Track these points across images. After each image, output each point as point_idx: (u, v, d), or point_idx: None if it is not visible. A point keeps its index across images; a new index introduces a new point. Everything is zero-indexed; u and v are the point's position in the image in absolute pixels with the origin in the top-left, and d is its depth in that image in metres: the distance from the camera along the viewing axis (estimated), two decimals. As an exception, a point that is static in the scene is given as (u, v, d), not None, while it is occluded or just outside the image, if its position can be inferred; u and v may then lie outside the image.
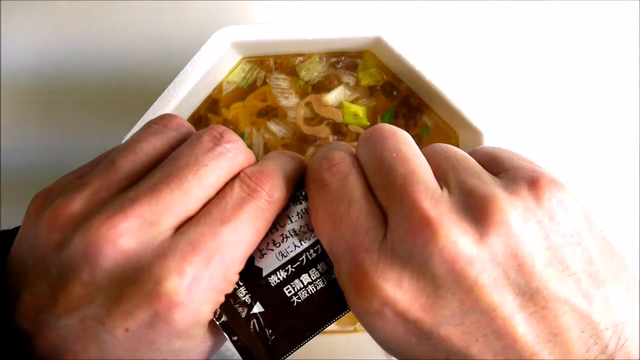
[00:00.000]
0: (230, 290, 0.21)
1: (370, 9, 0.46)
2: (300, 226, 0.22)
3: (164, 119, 0.22)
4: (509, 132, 0.46)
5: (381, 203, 0.20)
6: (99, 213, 0.19)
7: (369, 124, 0.38)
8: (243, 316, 0.21)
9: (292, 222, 0.22)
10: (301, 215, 0.22)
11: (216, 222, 0.19)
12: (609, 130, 0.47)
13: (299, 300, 0.22)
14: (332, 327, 0.39)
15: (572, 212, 0.19)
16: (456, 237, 0.18)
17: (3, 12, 0.46)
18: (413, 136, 0.39)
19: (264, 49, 0.37)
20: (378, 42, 0.35)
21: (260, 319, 0.21)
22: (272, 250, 0.22)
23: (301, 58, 0.38)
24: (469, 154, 0.22)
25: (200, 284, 0.19)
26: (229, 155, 0.21)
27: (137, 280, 0.18)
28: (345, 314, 0.22)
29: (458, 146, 0.38)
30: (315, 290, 0.22)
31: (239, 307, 0.21)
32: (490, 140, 0.34)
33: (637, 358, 0.18)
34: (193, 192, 0.20)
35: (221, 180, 0.20)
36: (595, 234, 0.19)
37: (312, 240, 0.22)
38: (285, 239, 0.22)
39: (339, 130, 0.38)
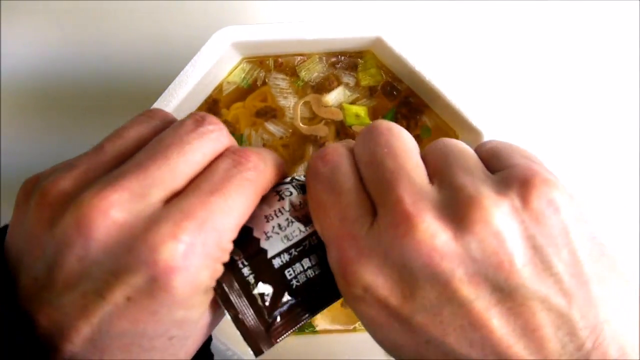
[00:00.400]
0: (226, 258, 0.21)
1: (370, 9, 0.46)
2: (306, 212, 0.23)
3: (150, 111, 0.23)
4: (508, 132, 0.46)
5: (371, 196, 0.21)
6: (89, 188, 0.19)
7: (371, 122, 0.38)
8: (245, 295, 0.22)
9: (298, 208, 0.23)
10: (294, 194, 0.23)
11: (205, 192, 0.20)
12: (609, 130, 0.47)
13: (298, 284, 0.22)
14: (332, 326, 0.39)
15: (560, 212, 0.19)
16: (434, 232, 0.18)
17: (3, 14, 0.46)
18: (414, 137, 0.39)
19: (264, 49, 0.37)
20: (378, 42, 0.35)
21: (262, 299, 0.22)
22: (278, 233, 0.22)
23: (301, 58, 0.38)
24: (476, 148, 0.22)
25: (195, 249, 0.19)
26: (213, 136, 0.21)
27: (132, 249, 0.18)
28: (339, 299, 0.23)
29: (458, 146, 0.38)
30: (313, 274, 0.22)
31: (243, 285, 0.22)
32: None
33: (614, 358, 0.18)
34: (180, 168, 0.20)
35: (207, 158, 0.21)
36: (584, 234, 0.19)
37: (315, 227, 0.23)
38: (290, 224, 0.23)
39: (342, 130, 0.38)
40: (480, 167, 0.21)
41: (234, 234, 0.21)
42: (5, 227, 0.23)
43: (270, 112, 0.38)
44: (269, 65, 0.38)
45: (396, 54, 0.35)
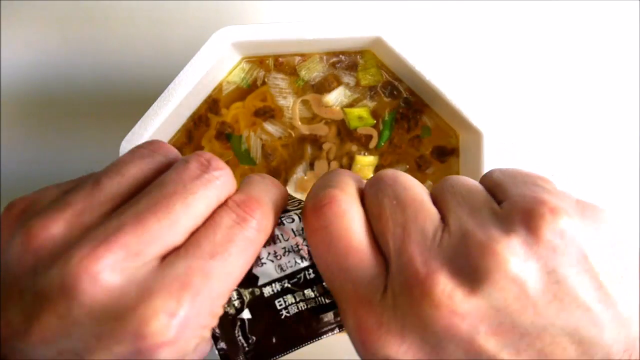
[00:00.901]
0: (215, 323, 0.20)
1: (370, 9, 0.46)
2: (304, 243, 0.22)
3: (152, 144, 0.22)
4: (508, 132, 0.46)
5: (383, 250, 0.20)
6: (81, 243, 0.18)
7: (375, 122, 0.38)
8: (230, 318, 0.21)
9: (295, 236, 0.22)
10: (296, 221, 0.22)
11: (205, 255, 0.19)
12: (609, 130, 0.47)
13: (288, 315, 0.22)
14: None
15: (575, 238, 0.18)
16: (450, 293, 0.18)
17: (3, 17, 0.46)
18: (414, 137, 0.39)
19: (263, 49, 0.37)
20: (378, 42, 0.35)
21: (246, 325, 0.21)
22: (272, 261, 0.22)
23: (301, 58, 0.38)
24: (481, 179, 0.22)
25: (188, 322, 0.18)
26: (217, 183, 0.20)
27: (120, 318, 0.17)
28: (328, 336, 0.22)
29: (458, 146, 0.38)
30: (305, 307, 0.22)
31: (228, 308, 0.21)
32: (496, 144, 0.34)
33: None
34: (181, 222, 0.19)
35: (210, 209, 0.20)
36: (602, 254, 0.19)
37: (312, 261, 0.22)
38: (287, 253, 0.22)
39: (344, 130, 0.38)
40: (487, 204, 0.20)
41: (227, 298, 0.20)
42: None
43: (269, 112, 0.38)
44: (268, 65, 0.38)
45: (396, 54, 0.34)
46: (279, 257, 0.22)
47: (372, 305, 0.19)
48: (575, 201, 0.19)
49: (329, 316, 0.22)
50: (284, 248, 0.22)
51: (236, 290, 0.21)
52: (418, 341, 0.18)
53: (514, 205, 0.19)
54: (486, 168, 0.34)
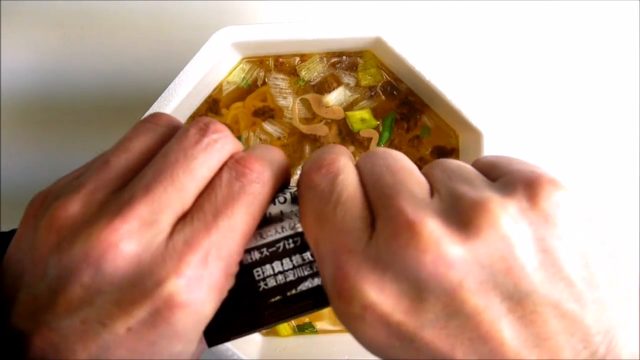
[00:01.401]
0: (231, 284, 0.21)
1: (370, 9, 0.46)
2: (285, 212, 0.22)
3: (154, 117, 0.23)
4: (508, 132, 0.46)
5: (372, 208, 0.20)
6: (99, 217, 0.19)
7: (378, 122, 0.38)
8: None
9: (277, 205, 0.22)
10: (288, 201, 0.22)
11: (208, 216, 0.20)
12: (609, 129, 0.47)
13: (266, 287, 0.21)
14: (333, 327, 0.39)
15: (569, 213, 0.18)
16: (439, 239, 0.17)
17: (3, 17, 0.46)
18: (413, 137, 0.39)
19: (264, 49, 0.37)
20: (378, 42, 0.35)
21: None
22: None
23: (301, 58, 0.38)
24: (473, 163, 0.22)
25: (200, 283, 0.19)
26: (218, 146, 0.21)
27: (137, 284, 0.18)
28: (304, 315, 0.22)
29: (458, 147, 0.38)
30: (284, 281, 0.21)
31: None
32: (493, 144, 0.34)
33: None
34: (186, 187, 0.20)
35: (212, 171, 0.21)
36: (593, 236, 0.19)
37: (294, 231, 0.22)
38: (268, 225, 0.22)
39: (345, 129, 0.38)
40: (479, 176, 0.20)
41: (240, 256, 0.21)
42: (7, 233, 0.23)
43: (268, 112, 0.38)
44: (269, 65, 0.38)
45: (396, 54, 0.35)
46: (259, 226, 0.22)
47: (353, 253, 0.19)
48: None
49: (299, 302, 0.21)
50: (265, 218, 0.22)
51: None
52: (397, 290, 0.18)
53: (512, 177, 0.19)
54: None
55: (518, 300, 0.17)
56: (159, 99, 0.34)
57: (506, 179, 0.19)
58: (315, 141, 0.38)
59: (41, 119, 0.46)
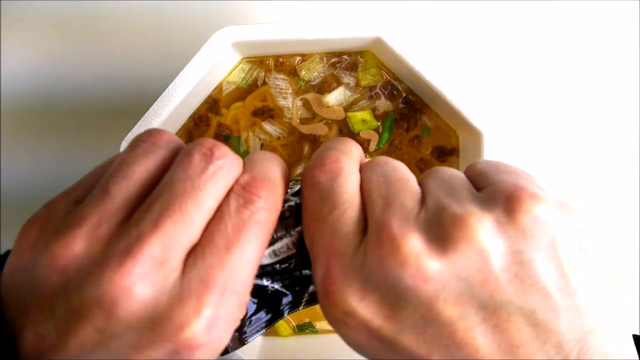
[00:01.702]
0: (244, 312, 0.21)
1: (370, 9, 0.46)
2: (295, 230, 0.22)
3: (152, 136, 0.22)
4: (508, 132, 0.46)
5: (366, 217, 0.21)
6: (107, 258, 0.18)
7: (379, 123, 0.38)
8: None
9: (289, 228, 0.22)
10: (293, 214, 0.23)
11: (221, 250, 0.19)
12: (609, 129, 0.47)
13: (273, 289, 0.23)
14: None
15: (548, 225, 0.19)
16: (418, 253, 0.18)
17: (3, 17, 0.46)
18: (414, 137, 0.39)
19: (264, 49, 0.37)
20: (378, 42, 0.35)
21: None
22: (267, 248, 0.22)
23: (301, 58, 0.38)
24: (466, 170, 0.23)
25: (219, 321, 0.19)
26: (223, 173, 0.20)
27: (155, 327, 0.18)
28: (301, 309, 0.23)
29: (458, 147, 0.38)
30: (290, 282, 0.23)
31: None
32: (493, 144, 0.34)
33: None
34: (195, 220, 0.19)
35: (219, 199, 0.20)
36: (572, 245, 0.19)
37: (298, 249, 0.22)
38: (279, 240, 0.22)
39: (346, 129, 0.38)
40: (467, 187, 0.21)
41: (251, 285, 0.21)
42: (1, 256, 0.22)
43: (268, 112, 0.38)
44: (269, 65, 0.38)
45: (396, 54, 0.35)
46: (272, 244, 0.22)
47: (343, 256, 0.20)
48: (553, 195, 0.20)
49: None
50: (277, 236, 0.22)
51: None
52: (378, 299, 0.19)
53: (495, 189, 0.20)
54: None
55: (493, 310, 0.18)
56: (159, 99, 0.34)
57: (489, 190, 0.20)
58: (315, 141, 0.38)
59: (41, 119, 0.46)
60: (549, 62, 0.46)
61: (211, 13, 0.46)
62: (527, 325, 0.18)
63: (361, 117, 0.38)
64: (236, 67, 0.38)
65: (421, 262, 0.18)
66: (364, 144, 0.38)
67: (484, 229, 0.18)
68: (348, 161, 0.22)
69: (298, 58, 0.38)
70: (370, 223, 0.20)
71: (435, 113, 0.38)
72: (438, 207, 0.19)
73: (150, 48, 0.45)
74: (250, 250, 0.20)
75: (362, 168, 0.22)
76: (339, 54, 0.38)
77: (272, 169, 0.22)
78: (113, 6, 0.46)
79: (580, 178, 0.46)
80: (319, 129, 0.38)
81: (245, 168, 0.22)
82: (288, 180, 0.23)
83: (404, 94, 0.38)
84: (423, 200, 0.20)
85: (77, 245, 0.19)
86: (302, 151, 0.38)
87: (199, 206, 0.19)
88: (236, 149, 0.38)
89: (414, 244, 0.18)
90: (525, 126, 0.46)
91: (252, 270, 0.20)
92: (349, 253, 0.20)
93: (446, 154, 0.38)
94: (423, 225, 0.19)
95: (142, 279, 0.18)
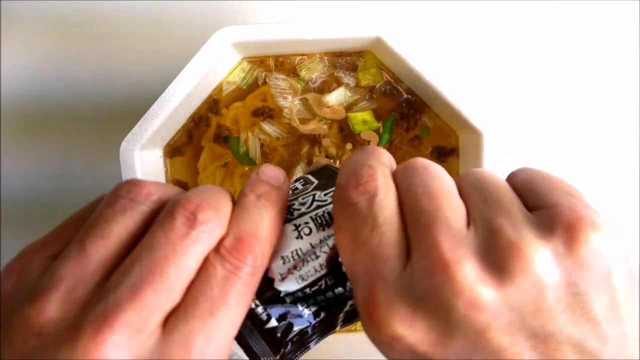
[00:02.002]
0: None
1: (370, 9, 0.46)
2: (314, 244, 0.22)
3: (130, 191, 0.21)
4: (508, 132, 0.46)
5: (408, 234, 0.20)
6: (82, 324, 0.18)
7: (379, 124, 0.38)
8: (258, 330, 0.22)
9: (304, 239, 0.22)
10: (313, 231, 0.22)
11: (205, 313, 0.19)
12: (610, 129, 0.47)
13: (310, 312, 0.22)
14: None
15: (606, 258, 0.19)
16: (474, 283, 0.18)
17: (3, 23, 0.46)
18: (413, 137, 0.39)
19: (264, 49, 0.37)
20: (378, 42, 0.35)
21: (275, 332, 0.22)
22: (293, 274, 0.22)
23: (301, 58, 0.38)
24: (508, 177, 0.22)
25: None
26: (205, 237, 0.20)
27: None
28: (340, 327, 0.23)
29: (458, 147, 0.38)
30: (326, 304, 0.22)
31: (257, 323, 0.22)
32: (493, 144, 0.34)
33: None
34: (176, 285, 0.19)
35: (201, 260, 0.20)
36: (624, 276, 0.19)
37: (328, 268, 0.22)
38: (306, 264, 0.22)
39: (346, 129, 0.38)
40: (518, 205, 0.20)
41: (233, 342, 0.20)
42: None
43: (267, 112, 0.38)
44: (269, 65, 0.38)
45: (396, 54, 0.34)
46: (299, 269, 0.22)
47: (386, 281, 0.19)
48: (605, 217, 0.20)
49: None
50: (304, 260, 0.22)
51: (260, 305, 0.22)
52: (427, 326, 0.18)
53: (552, 215, 0.19)
54: (486, 168, 0.34)
55: (543, 338, 0.18)
56: (159, 99, 0.34)
57: (546, 215, 0.19)
58: (315, 141, 0.38)
59: (41, 120, 0.46)
60: (549, 62, 0.46)
61: (211, 13, 0.46)
62: (574, 353, 0.18)
63: (362, 118, 0.38)
64: (236, 67, 0.38)
65: (476, 292, 0.18)
66: (364, 144, 0.38)
67: (542, 261, 0.18)
68: (383, 178, 0.21)
69: (298, 58, 0.38)
70: (415, 244, 0.19)
71: (435, 113, 0.38)
72: (490, 230, 0.19)
73: (150, 49, 0.45)
74: (234, 313, 0.20)
75: (398, 176, 0.21)
76: (339, 54, 0.38)
77: (259, 221, 0.21)
78: (113, 7, 0.46)
79: (581, 178, 0.46)
80: (319, 129, 0.38)
81: (232, 222, 0.21)
82: (281, 223, 0.22)
83: (404, 94, 0.38)
84: (468, 214, 0.20)
85: (52, 309, 0.18)
86: (301, 151, 0.38)
87: (180, 271, 0.19)
88: (236, 150, 0.38)
89: (468, 272, 0.18)
90: (525, 126, 0.46)
91: (234, 331, 0.20)
92: (393, 276, 0.19)
93: (446, 154, 0.38)
94: (476, 250, 0.18)
95: (118, 347, 0.18)
